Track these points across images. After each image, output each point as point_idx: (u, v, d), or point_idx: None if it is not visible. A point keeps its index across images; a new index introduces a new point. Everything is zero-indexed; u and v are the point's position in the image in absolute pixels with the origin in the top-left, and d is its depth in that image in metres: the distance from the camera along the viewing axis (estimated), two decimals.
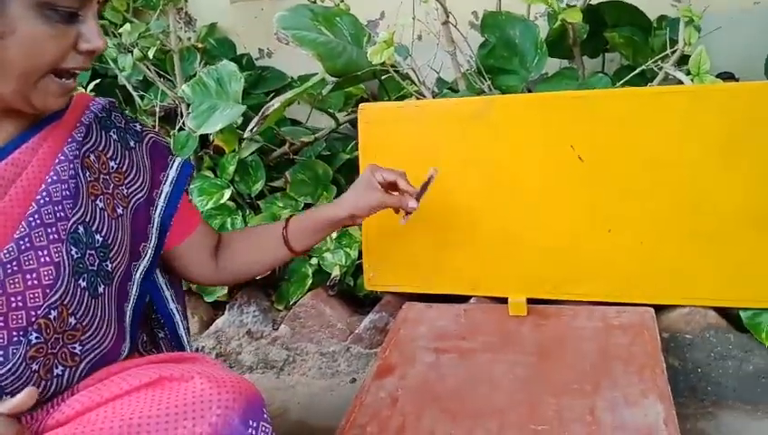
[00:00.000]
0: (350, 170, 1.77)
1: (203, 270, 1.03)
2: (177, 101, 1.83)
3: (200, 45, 1.96)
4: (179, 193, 0.96)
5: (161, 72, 1.87)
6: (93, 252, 0.83)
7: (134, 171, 0.91)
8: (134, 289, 0.91)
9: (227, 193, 1.67)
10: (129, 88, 1.89)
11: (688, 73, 1.31)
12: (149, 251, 0.93)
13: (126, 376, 0.79)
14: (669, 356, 1.22)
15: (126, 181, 0.90)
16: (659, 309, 1.27)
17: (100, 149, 0.88)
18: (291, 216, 1.05)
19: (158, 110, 1.85)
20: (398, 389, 1.08)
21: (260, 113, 1.40)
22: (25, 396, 0.72)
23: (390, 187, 1.05)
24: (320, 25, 1.42)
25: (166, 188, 0.95)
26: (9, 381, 0.75)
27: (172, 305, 1.03)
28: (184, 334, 1.05)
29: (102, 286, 0.84)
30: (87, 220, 0.83)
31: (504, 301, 1.31)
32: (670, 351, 1.22)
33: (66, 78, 0.78)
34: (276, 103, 1.36)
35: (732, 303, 1.23)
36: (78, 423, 0.73)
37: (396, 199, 1.03)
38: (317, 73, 1.54)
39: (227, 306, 1.51)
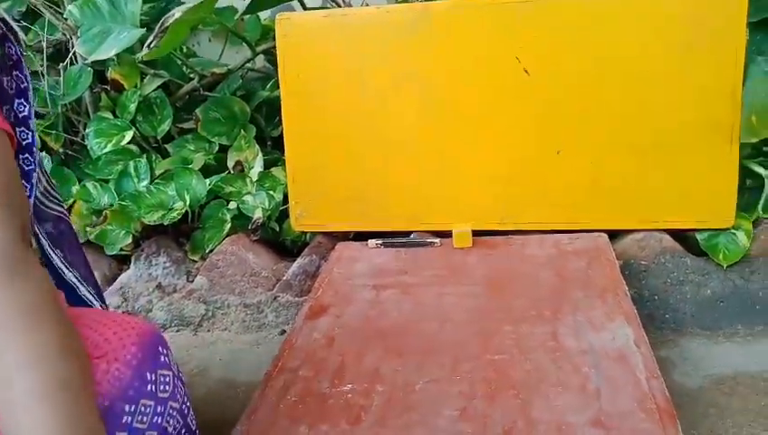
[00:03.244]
0: (270, 110, 1.60)
1: None
2: (68, 34, 1.59)
3: None
4: None
5: (48, 3, 1.63)
6: None
7: None
8: None
9: (129, 135, 1.47)
10: (10, 20, 1.63)
11: None
12: None
13: None
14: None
15: None
16: (612, 236, 1.18)
17: None
18: None
19: (45, 45, 1.61)
20: (335, 328, 0.93)
21: (158, 25, 1.20)
22: None
23: None
24: None
25: None
26: None
27: (69, 275, 0.77)
28: (90, 297, 0.80)
29: None
30: None
31: (447, 235, 1.19)
32: (625, 278, 1.13)
33: None
34: (177, 13, 1.16)
35: (687, 225, 1.16)
36: None
37: None
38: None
39: (133, 259, 1.31)
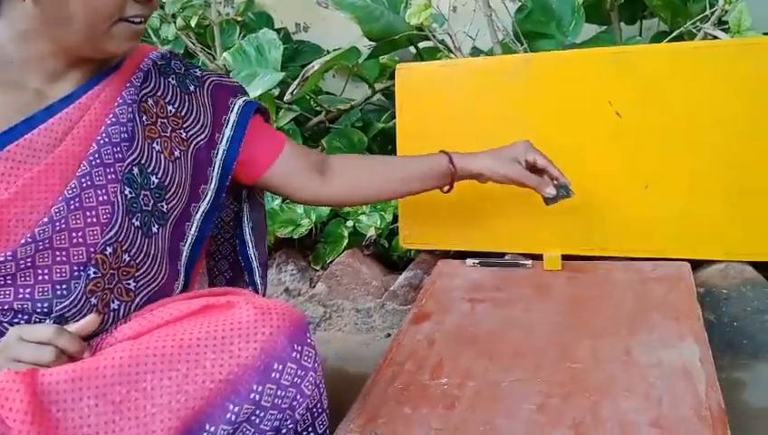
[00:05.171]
0: (384, 140, 1.80)
1: (302, 193, 1.07)
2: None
3: (239, 19, 2.01)
4: (241, 136, 0.97)
5: (201, 45, 1.93)
6: (148, 193, 0.86)
7: (194, 115, 0.93)
8: (192, 229, 0.93)
9: None
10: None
11: (728, 32, 1.31)
12: (209, 193, 0.94)
13: (174, 306, 0.83)
14: (705, 310, 1.21)
15: (185, 125, 0.92)
16: (696, 265, 1.27)
17: (159, 94, 0.91)
18: (442, 151, 1.12)
19: None
20: (435, 332, 1.10)
21: (300, 75, 1.43)
22: (89, 320, 0.78)
23: (534, 170, 1.12)
24: None
25: (227, 132, 0.96)
26: (71, 314, 0.80)
27: (251, 251, 1.07)
28: (258, 282, 1.08)
29: (156, 226, 0.87)
30: (143, 162, 0.86)
31: (538, 258, 1.32)
32: (706, 305, 1.22)
33: (136, 23, 0.81)
34: (316, 65, 1.39)
35: None
36: (134, 343, 0.77)
37: (535, 181, 1.11)
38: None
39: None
